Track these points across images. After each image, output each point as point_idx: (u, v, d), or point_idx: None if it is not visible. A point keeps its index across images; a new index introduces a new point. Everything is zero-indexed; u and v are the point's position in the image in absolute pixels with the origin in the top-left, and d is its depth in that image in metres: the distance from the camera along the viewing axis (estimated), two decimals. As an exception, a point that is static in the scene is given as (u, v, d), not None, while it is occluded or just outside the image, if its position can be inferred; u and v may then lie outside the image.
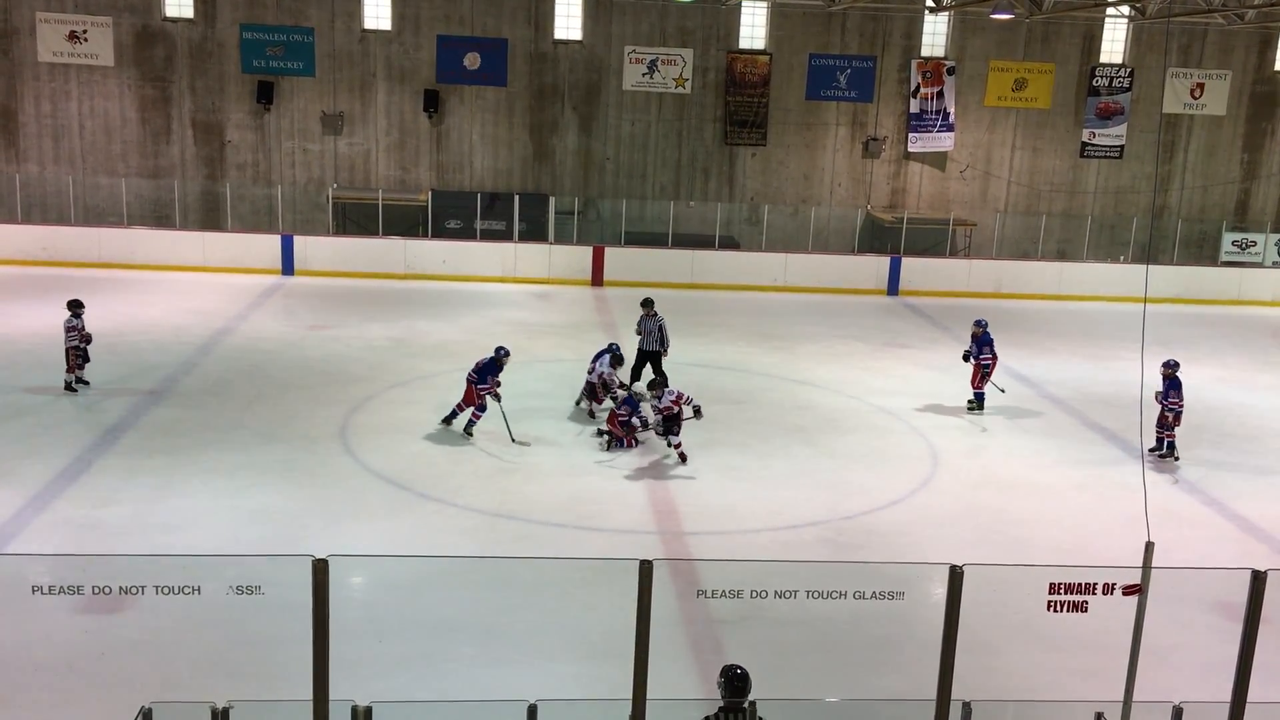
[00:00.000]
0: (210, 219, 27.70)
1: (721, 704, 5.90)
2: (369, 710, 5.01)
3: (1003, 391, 17.32)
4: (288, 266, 25.77)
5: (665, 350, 17.31)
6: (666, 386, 14.41)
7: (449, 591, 10.33)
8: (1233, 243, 29.02)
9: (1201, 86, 29.25)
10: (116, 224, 26.49)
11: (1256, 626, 4.81)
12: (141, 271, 24.92)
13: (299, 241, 26.01)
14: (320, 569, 4.16)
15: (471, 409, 14.85)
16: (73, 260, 25.15)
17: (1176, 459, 15.03)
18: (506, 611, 10.01)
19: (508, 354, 15.07)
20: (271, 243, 25.91)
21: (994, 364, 16.97)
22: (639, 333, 17.51)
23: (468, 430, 14.80)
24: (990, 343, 16.87)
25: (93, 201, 27.42)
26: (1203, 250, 29.62)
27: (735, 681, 6.00)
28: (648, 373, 16.96)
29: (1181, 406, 15.09)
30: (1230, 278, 28.31)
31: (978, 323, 17.23)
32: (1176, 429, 15.10)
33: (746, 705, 5.82)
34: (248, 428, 14.93)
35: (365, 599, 10.16)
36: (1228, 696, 4.90)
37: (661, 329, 17.34)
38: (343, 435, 14.83)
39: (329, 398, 16.42)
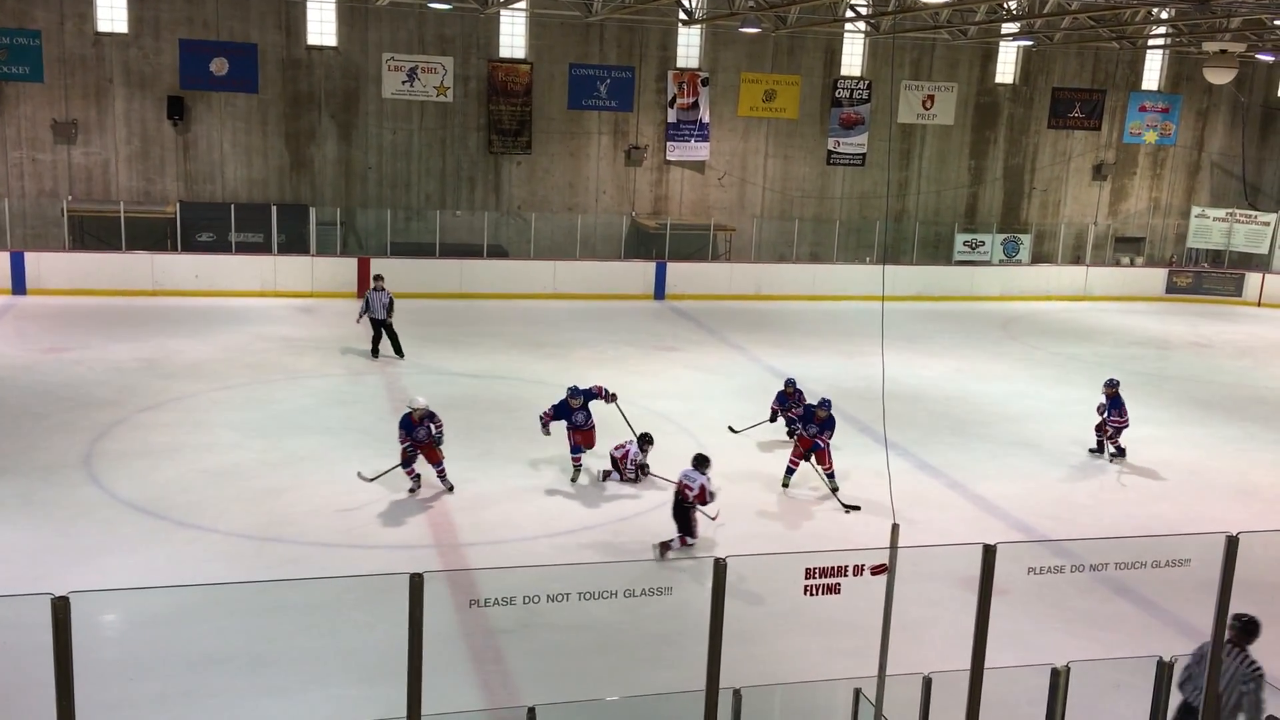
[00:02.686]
0: (-74, 235, 25.28)
1: None
2: (126, 753, 4.72)
3: None
4: (19, 285, 23.83)
5: (390, 316, 20.10)
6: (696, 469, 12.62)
7: (213, 622, 9.85)
8: (964, 243, 31.37)
9: (932, 98, 31.47)
10: None
11: (989, 596, 5.24)
12: None
13: (31, 258, 24.10)
14: (60, 607, 3.90)
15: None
16: None
17: (1118, 453, 16.06)
18: (276, 638, 9.65)
19: (415, 410, 13.26)
20: (0, 260, 23.88)
21: (1123, 425, 16.01)
22: (367, 305, 20.05)
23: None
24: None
25: None
26: (938, 251, 31.87)
27: None
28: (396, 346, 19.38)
29: (1125, 423, 15.95)
30: (963, 275, 30.61)
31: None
32: (1119, 440, 16.05)
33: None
34: (-23, 461, 13.72)
35: (119, 637, 9.56)
36: (968, 665, 5.32)
37: (389, 301, 20.05)
38: (87, 464, 13.87)
39: (71, 425, 15.32)
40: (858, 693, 6.40)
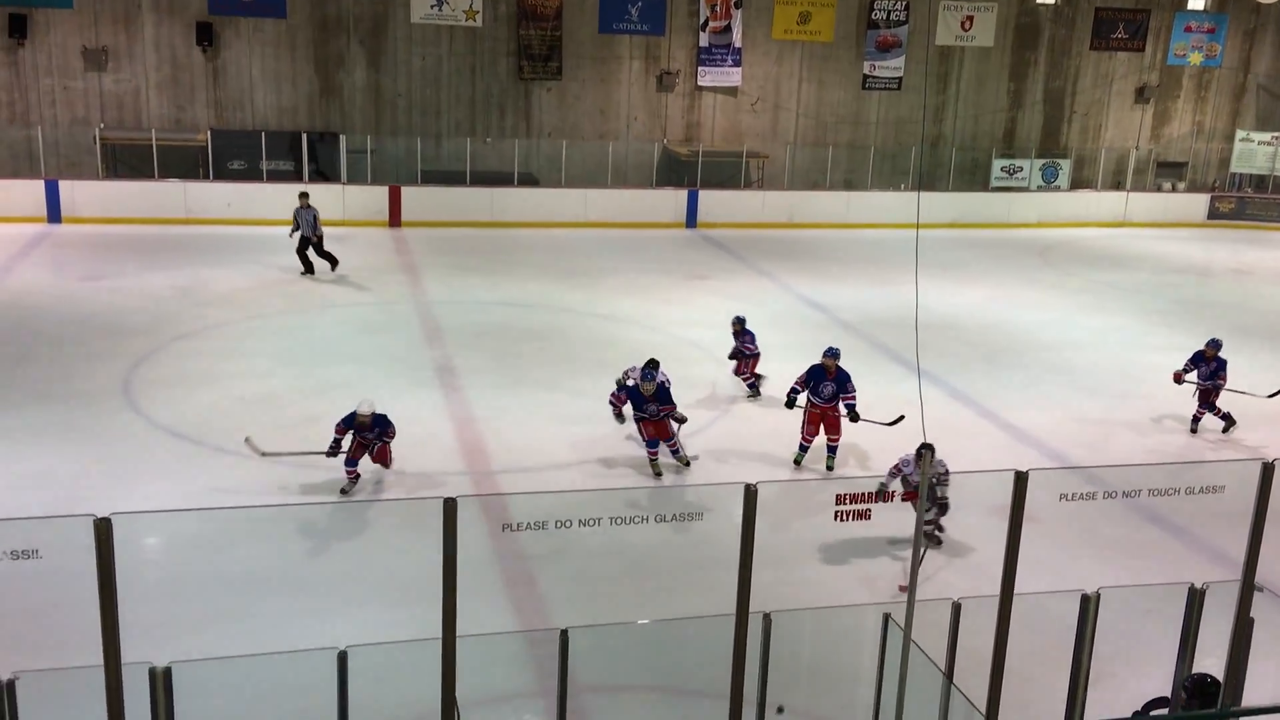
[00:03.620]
0: (-39, 164, 25.43)
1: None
2: (168, 671, 4.84)
3: None
4: (54, 213, 23.99)
5: (317, 236, 20.29)
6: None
7: (251, 545, 10.04)
8: (1001, 169, 30.85)
9: (971, 19, 30.73)
10: None
11: (1020, 522, 5.23)
12: (-116, 223, 22.71)
13: (65, 186, 24.21)
14: (102, 528, 3.97)
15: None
16: None
17: (1228, 422, 14.09)
18: (314, 561, 9.83)
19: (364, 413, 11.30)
20: (34, 188, 24.01)
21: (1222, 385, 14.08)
22: (297, 224, 20.32)
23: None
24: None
25: None
26: (975, 177, 31.36)
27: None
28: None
29: (1224, 383, 14.01)
30: (1000, 202, 30.14)
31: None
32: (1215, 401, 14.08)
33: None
34: (19, 388, 13.95)
35: (160, 559, 9.77)
36: (997, 591, 5.33)
37: (315, 218, 20.26)
38: (126, 391, 14.06)
39: (108, 352, 15.50)
40: (887, 617, 6.44)
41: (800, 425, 12.66)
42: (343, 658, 5.89)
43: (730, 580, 5.15)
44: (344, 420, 11.24)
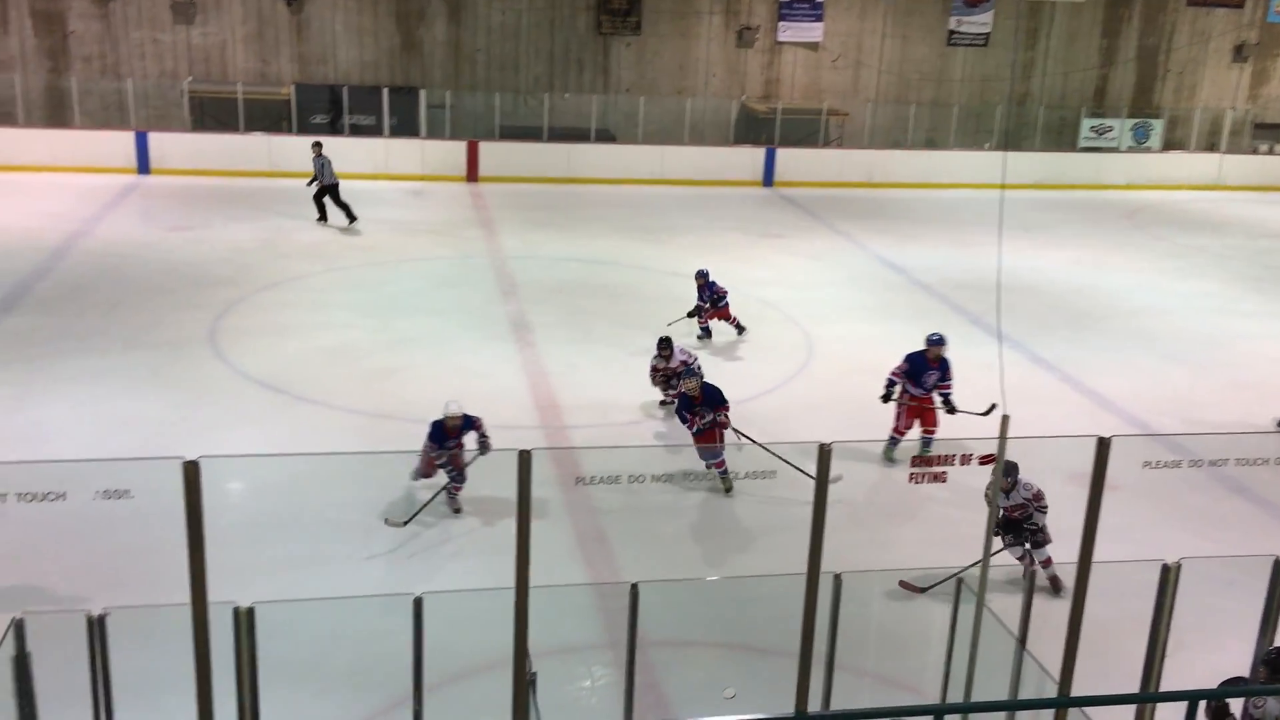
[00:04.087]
0: (57, 115, 26.06)
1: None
2: (251, 611, 4.98)
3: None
4: (143, 165, 24.55)
5: (329, 181, 20.66)
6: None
7: (329, 492, 10.27)
8: (1090, 128, 29.97)
9: (1063, -26, 29.79)
10: (-48, 122, 24.78)
11: (1101, 488, 5.12)
12: (-17, 173, 23.44)
13: (154, 138, 24.73)
14: (191, 471, 4.08)
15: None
16: (-95, 162, 23.52)
17: None
18: (391, 509, 10.01)
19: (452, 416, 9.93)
20: (124, 140, 24.59)
21: None
22: (317, 173, 20.70)
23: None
24: None
25: (-77, 98, 25.54)
26: (1062, 136, 30.52)
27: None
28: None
29: None
30: (1088, 163, 29.31)
31: None
32: None
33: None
34: (109, 335, 14.38)
35: (242, 503, 10.04)
36: (1075, 558, 5.24)
37: (326, 165, 20.64)
38: (212, 339, 14.41)
39: (195, 301, 15.89)
40: (960, 582, 6.38)
41: (896, 416, 11.67)
42: (418, 603, 6.01)
43: (800, 540, 5.13)
44: (431, 436, 9.82)
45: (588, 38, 28.23)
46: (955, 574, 8.30)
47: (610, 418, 12.56)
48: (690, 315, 15.21)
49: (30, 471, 7.17)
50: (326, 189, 20.82)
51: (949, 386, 11.57)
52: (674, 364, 12.16)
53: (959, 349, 15.21)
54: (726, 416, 10.71)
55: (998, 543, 8.92)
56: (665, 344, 12.37)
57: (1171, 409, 13.57)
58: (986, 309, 16.99)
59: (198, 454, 4.26)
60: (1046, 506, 9.05)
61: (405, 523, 9.65)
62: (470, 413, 9.97)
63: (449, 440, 9.83)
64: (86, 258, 17.85)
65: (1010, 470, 8.84)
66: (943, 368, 11.55)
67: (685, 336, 14.70)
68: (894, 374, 11.62)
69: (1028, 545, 8.97)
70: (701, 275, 15.29)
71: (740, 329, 15.43)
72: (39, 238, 18.79)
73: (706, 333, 15.35)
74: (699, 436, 10.67)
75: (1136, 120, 30.24)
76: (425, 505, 9.86)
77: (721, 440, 10.62)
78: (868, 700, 7.58)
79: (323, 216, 20.93)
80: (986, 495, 11.03)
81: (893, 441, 11.67)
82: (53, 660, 5.50)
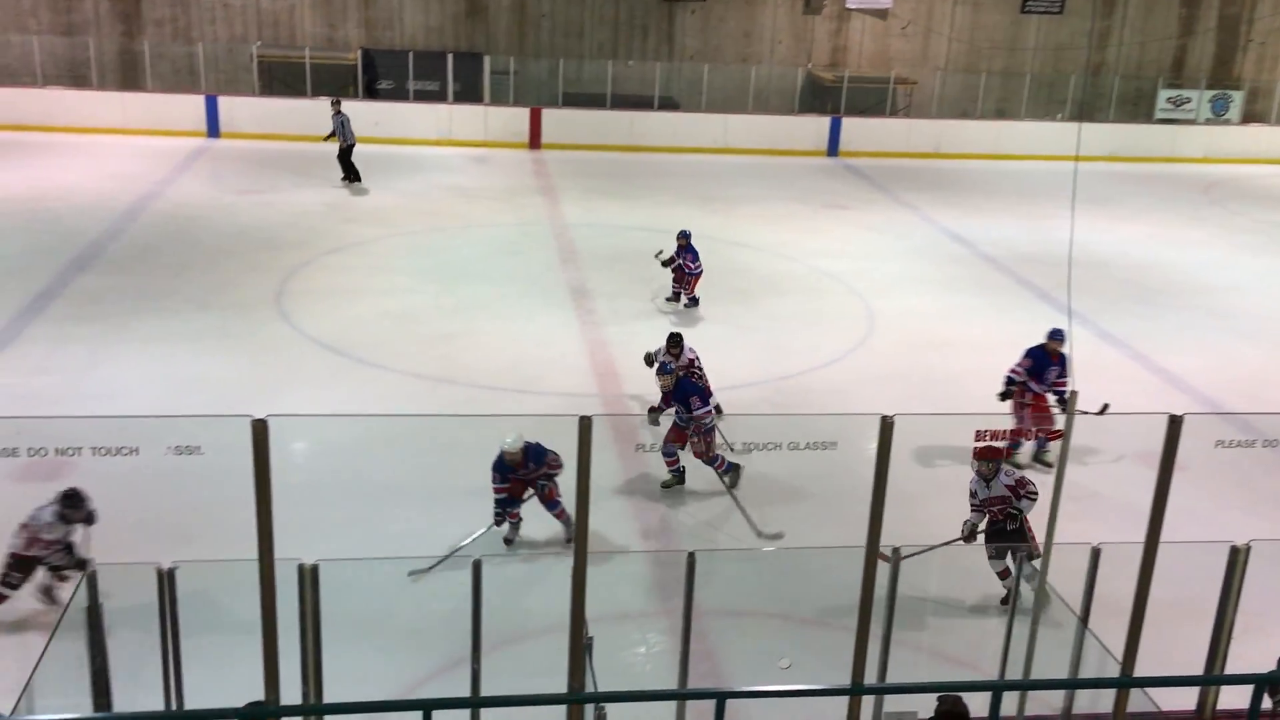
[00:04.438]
0: (129, 79, 26.52)
1: None
2: (315, 568, 5.07)
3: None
4: (213, 128, 24.91)
5: (349, 141, 20.89)
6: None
7: (391, 455, 10.41)
8: (1167, 99, 29.16)
9: (1144, -60, 28.91)
10: (30, 84, 25.29)
11: (1171, 468, 5.01)
12: (58, 134, 23.91)
13: (224, 102, 25.07)
14: (260, 429, 4.15)
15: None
16: (-15, 124, 24.11)
17: None
18: (449, 474, 10.12)
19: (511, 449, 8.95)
20: (195, 103, 24.96)
21: None
22: (343, 129, 20.76)
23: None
24: None
25: (3, 61, 26.10)
26: (1138, 108, 29.74)
27: None
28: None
29: None
30: (1164, 135, 28.54)
31: None
32: None
33: None
34: (179, 295, 14.66)
35: (306, 464, 10.21)
36: (1142, 538, 5.14)
37: (346, 123, 20.78)
38: (278, 302, 14.63)
39: (262, 264, 16.13)
40: (1021, 559, 6.30)
41: (1017, 416, 10.82)
42: (477, 566, 6.07)
43: (860, 512, 5.09)
44: (496, 467, 8.92)
45: (652, 4, 28.02)
46: (933, 547, 8.22)
47: (669, 386, 12.54)
48: (665, 265, 14.92)
49: (104, 427, 7.34)
50: (351, 148, 20.99)
51: (1065, 383, 10.82)
52: (682, 362, 10.78)
53: (1026, 325, 14.97)
54: (705, 422, 9.75)
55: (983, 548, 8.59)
56: (676, 341, 10.95)
57: (1245, 388, 13.24)
58: (1054, 284, 16.67)
59: (264, 413, 4.32)
60: (1035, 493, 8.34)
61: (429, 569, 8.45)
62: (532, 441, 8.86)
63: (516, 471, 8.93)
64: (157, 219, 18.19)
65: (990, 455, 8.33)
66: (1062, 363, 10.91)
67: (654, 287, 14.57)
68: (1014, 371, 10.94)
69: (1009, 559, 8.33)
70: (684, 235, 14.96)
71: (692, 302, 15.03)
72: (112, 199, 19.18)
73: (677, 297, 15.04)
74: (673, 431, 9.93)
75: (1215, 92, 29.35)
76: (454, 552, 8.69)
77: (706, 442, 9.84)
78: (924, 675, 7.53)
79: (348, 176, 21.08)
80: (1043, 461, 10.73)
81: (1014, 446, 10.75)
82: (124, 610, 5.64)
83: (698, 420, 9.76)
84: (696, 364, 10.93)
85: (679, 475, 10.11)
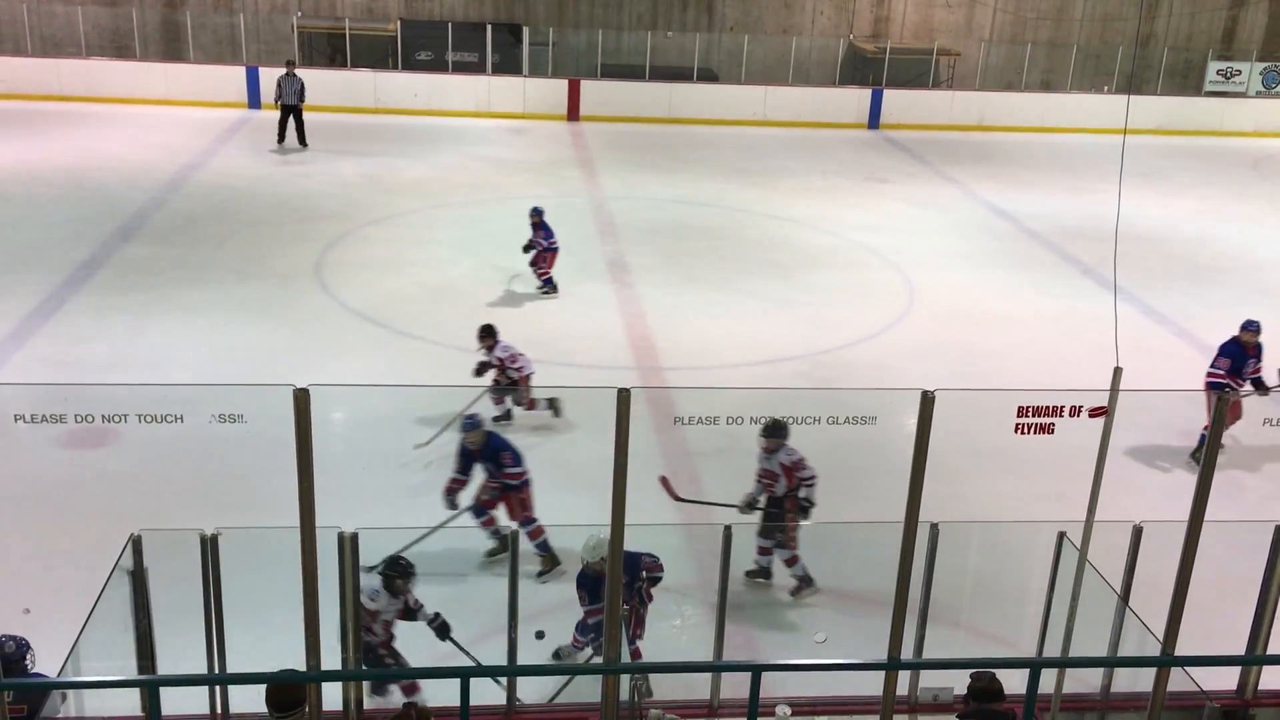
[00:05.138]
0: (172, 49, 26.70)
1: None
2: (355, 536, 5.12)
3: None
4: (254, 99, 25.04)
5: (301, 102, 21.32)
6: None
7: (428, 425, 10.46)
8: (1217, 72, 28.56)
9: (1196, -92, 28.25)
10: (75, 55, 25.54)
11: (1217, 446, 4.93)
12: (103, 105, 24.15)
13: (265, 73, 25.17)
14: (301, 398, 4.18)
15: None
16: (31, 93, 24.34)
17: None
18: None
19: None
20: (236, 74, 25.10)
21: None
22: (280, 91, 21.27)
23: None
24: None
25: (48, 31, 26.36)
26: (1187, 80, 29.16)
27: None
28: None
29: None
30: (1213, 108, 27.97)
31: None
32: None
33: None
34: (222, 265, 14.79)
35: (346, 434, 10.30)
36: (1185, 517, 5.07)
37: (301, 87, 21.26)
38: (318, 272, 14.73)
39: (302, 235, 16.24)
40: (1062, 536, 6.23)
41: (1214, 413, 10.86)
42: (514, 536, 6.11)
43: (898, 488, 5.06)
44: (581, 584, 7.24)
45: (693, -26, 27.78)
46: (717, 504, 8.25)
47: (707, 360, 12.53)
48: (525, 250, 14.09)
49: (149, 395, 7.45)
50: (290, 109, 21.29)
51: (1260, 369, 10.53)
52: (496, 355, 10.46)
53: (1069, 300, 14.81)
54: (516, 497, 8.51)
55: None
56: (488, 332, 10.35)
57: (1293, 367, 13.00)
58: (1099, 259, 16.43)
59: (305, 383, 4.35)
60: (811, 478, 8.15)
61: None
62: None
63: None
64: (200, 190, 18.35)
65: (776, 430, 7.98)
66: (1259, 353, 10.52)
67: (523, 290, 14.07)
68: (1217, 376, 10.38)
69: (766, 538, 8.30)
70: (536, 213, 14.01)
71: (547, 285, 13.97)
72: (155, 169, 19.36)
73: (549, 285, 14.11)
74: (482, 498, 8.53)
75: (1267, 64, 28.68)
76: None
77: (517, 506, 8.53)
78: (961, 651, 7.51)
79: (283, 136, 21.41)
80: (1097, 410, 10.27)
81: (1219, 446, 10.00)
82: (168, 575, 5.73)
83: (506, 479, 8.46)
84: (518, 363, 10.43)
85: (503, 542, 8.30)
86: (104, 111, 23.70)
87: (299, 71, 21.72)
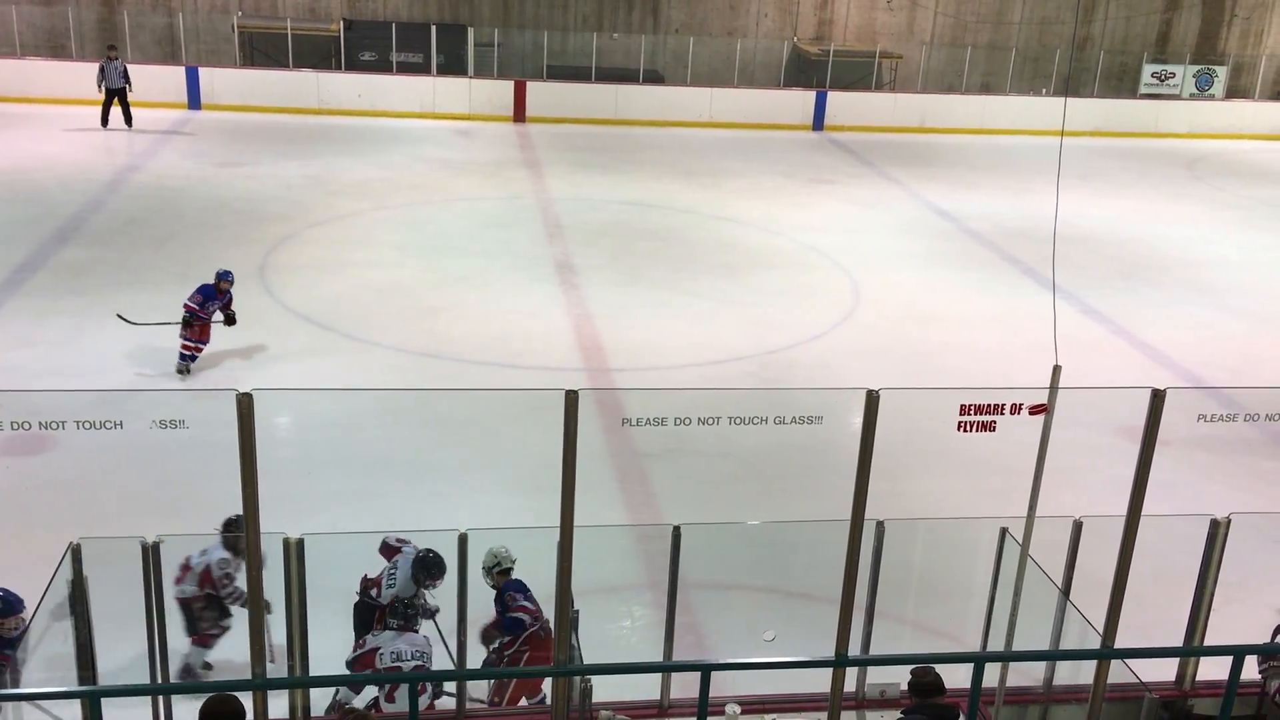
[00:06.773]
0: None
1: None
2: (300, 542, 5.06)
3: None
4: (194, 100, 24.67)
5: (126, 84, 21.86)
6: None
7: (378, 428, 10.39)
8: (1152, 74, 29.19)
9: (1130, -86, 28.83)
10: (9, 54, 24.97)
11: (1153, 441, 5.04)
12: (38, 105, 23.65)
13: (205, 73, 24.83)
14: (245, 402, 4.12)
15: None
16: (-38, 94, 23.79)
17: None
18: (437, 447, 10.12)
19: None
20: (176, 75, 24.70)
21: None
22: (103, 74, 21.80)
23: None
24: None
25: (-21, 31, 25.76)
26: (1123, 83, 29.76)
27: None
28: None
29: None
30: (1149, 110, 28.58)
31: None
32: None
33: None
34: (161, 268, 14.54)
35: (293, 437, 10.18)
36: (1123, 512, 5.17)
37: (124, 70, 21.87)
38: (261, 275, 14.54)
39: (245, 237, 16.02)
40: (1004, 532, 6.33)
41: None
42: (463, 540, 6.08)
43: (844, 486, 5.11)
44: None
45: (638, -24, 27.82)
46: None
47: (655, 360, 12.56)
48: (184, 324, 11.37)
49: (88, 400, 7.32)
50: (114, 92, 21.85)
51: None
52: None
53: (1010, 299, 15.04)
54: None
55: None
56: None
57: (1227, 363, 13.33)
58: (1039, 259, 16.72)
59: (249, 387, 4.30)
60: (233, 593, 6.83)
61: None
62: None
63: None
64: (139, 192, 18.03)
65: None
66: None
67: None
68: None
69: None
70: (225, 277, 11.64)
71: (185, 362, 11.38)
72: (92, 171, 18.99)
73: (188, 358, 11.42)
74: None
75: (1200, 67, 29.39)
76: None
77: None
78: (907, 647, 7.59)
79: (106, 120, 21.96)
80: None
81: None
82: (108, 584, 5.63)
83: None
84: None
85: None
86: (39, 112, 23.21)
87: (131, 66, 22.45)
